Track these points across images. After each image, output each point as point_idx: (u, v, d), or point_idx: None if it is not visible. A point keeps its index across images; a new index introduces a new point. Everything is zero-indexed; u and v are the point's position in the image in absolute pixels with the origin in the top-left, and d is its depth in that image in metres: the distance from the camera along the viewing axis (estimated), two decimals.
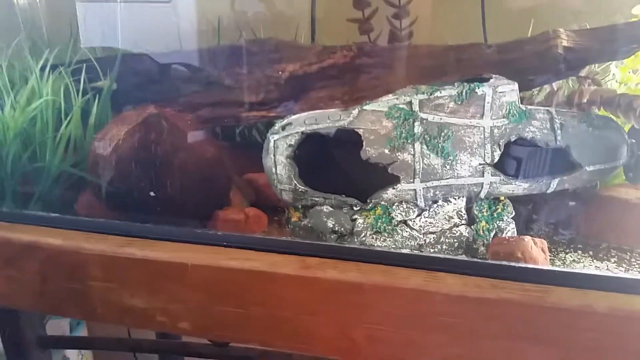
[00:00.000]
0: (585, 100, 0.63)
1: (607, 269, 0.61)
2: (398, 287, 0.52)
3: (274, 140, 0.63)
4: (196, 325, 0.60)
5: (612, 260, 0.63)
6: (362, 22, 0.77)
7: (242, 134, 0.85)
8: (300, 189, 0.63)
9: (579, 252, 0.64)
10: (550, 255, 0.63)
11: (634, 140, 0.62)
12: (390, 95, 0.62)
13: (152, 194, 0.62)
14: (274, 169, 0.63)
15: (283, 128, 0.63)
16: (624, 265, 0.62)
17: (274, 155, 0.63)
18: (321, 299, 0.55)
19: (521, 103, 0.60)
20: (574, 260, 0.63)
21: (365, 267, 0.55)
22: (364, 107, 0.62)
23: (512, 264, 0.53)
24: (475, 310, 0.50)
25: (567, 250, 0.65)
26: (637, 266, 0.62)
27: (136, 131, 0.62)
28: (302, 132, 0.62)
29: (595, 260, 0.63)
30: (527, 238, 0.55)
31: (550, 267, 0.56)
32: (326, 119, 0.62)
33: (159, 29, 0.84)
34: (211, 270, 0.56)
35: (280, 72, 0.69)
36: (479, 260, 0.58)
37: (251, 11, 0.94)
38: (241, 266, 0.56)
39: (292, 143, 0.62)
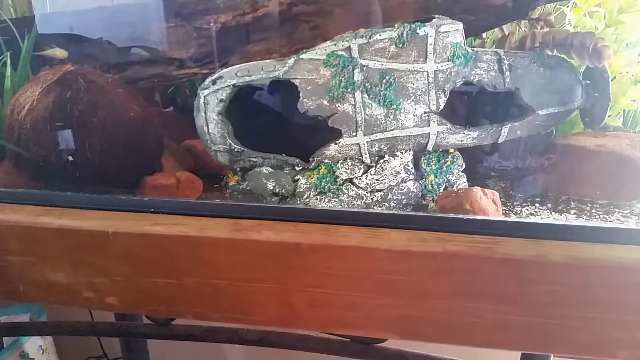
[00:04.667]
0: (537, 44, 0.59)
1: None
2: (337, 245, 0.48)
3: (204, 96, 0.57)
4: (125, 300, 0.54)
5: (572, 212, 0.60)
6: None
7: (184, 99, 0.80)
8: (235, 149, 0.58)
9: (537, 205, 0.61)
10: (504, 209, 0.59)
11: (589, 82, 0.58)
12: (328, 42, 0.57)
13: (70, 158, 0.56)
14: (205, 128, 0.58)
15: (214, 82, 0.58)
16: (584, 217, 0.59)
17: (205, 113, 0.57)
18: (257, 263, 0.50)
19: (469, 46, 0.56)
20: (530, 214, 0.59)
21: (303, 226, 0.51)
22: (301, 56, 0.57)
23: (459, 215, 0.49)
24: (421, 266, 0.46)
25: (524, 204, 0.61)
26: (597, 217, 0.59)
27: (51, 90, 0.56)
28: (234, 85, 0.57)
29: (553, 213, 0.59)
30: (476, 189, 0.51)
31: (499, 218, 0.52)
32: (260, 70, 0.57)
33: None
34: (134, 238, 0.51)
35: (211, 24, 0.63)
36: (424, 214, 0.54)
37: None
38: (167, 232, 0.51)
39: (224, 97, 0.57)
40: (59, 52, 0.67)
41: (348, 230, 0.50)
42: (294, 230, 0.50)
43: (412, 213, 0.55)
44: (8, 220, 0.54)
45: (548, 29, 0.61)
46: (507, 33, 0.64)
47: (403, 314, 0.48)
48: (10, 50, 0.66)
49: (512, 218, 0.55)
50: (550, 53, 0.58)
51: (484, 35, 0.67)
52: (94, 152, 0.56)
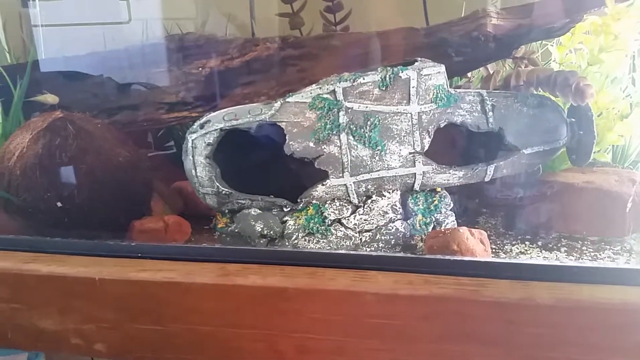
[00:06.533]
0: (522, 82, 0.59)
1: (557, 260, 0.57)
2: (324, 289, 0.47)
3: (192, 140, 0.58)
4: (112, 346, 0.54)
5: (562, 250, 0.59)
6: (291, 16, 0.73)
7: (177, 141, 0.81)
8: (223, 192, 0.58)
9: (527, 243, 0.60)
10: (494, 248, 0.59)
11: (573, 119, 0.58)
12: (313, 85, 0.58)
13: (59, 204, 0.57)
14: (193, 171, 0.58)
15: (201, 126, 0.58)
16: (575, 255, 0.58)
17: (193, 156, 0.58)
18: (244, 308, 0.50)
19: (454, 88, 0.57)
20: (520, 252, 0.58)
21: (289, 270, 0.50)
22: (287, 100, 0.57)
23: (446, 257, 0.48)
24: (408, 310, 0.46)
25: (514, 242, 0.61)
26: (588, 255, 0.58)
27: (40, 137, 0.57)
28: (222, 129, 0.57)
29: (544, 251, 0.59)
30: (463, 229, 0.51)
31: (486, 259, 0.52)
32: (246, 114, 0.58)
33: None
34: (121, 284, 0.51)
35: (200, 69, 0.64)
36: (410, 255, 0.53)
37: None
38: (153, 278, 0.50)
39: (211, 141, 0.57)
40: (50, 98, 0.68)
41: (335, 273, 0.49)
42: (280, 275, 0.50)
43: (399, 255, 0.54)
44: None
45: (532, 67, 0.62)
46: (491, 72, 0.65)
47: (392, 358, 0.47)
48: (2, 97, 0.67)
49: (499, 259, 0.55)
50: (534, 91, 0.59)
51: (469, 74, 0.68)
52: (82, 197, 0.56)
